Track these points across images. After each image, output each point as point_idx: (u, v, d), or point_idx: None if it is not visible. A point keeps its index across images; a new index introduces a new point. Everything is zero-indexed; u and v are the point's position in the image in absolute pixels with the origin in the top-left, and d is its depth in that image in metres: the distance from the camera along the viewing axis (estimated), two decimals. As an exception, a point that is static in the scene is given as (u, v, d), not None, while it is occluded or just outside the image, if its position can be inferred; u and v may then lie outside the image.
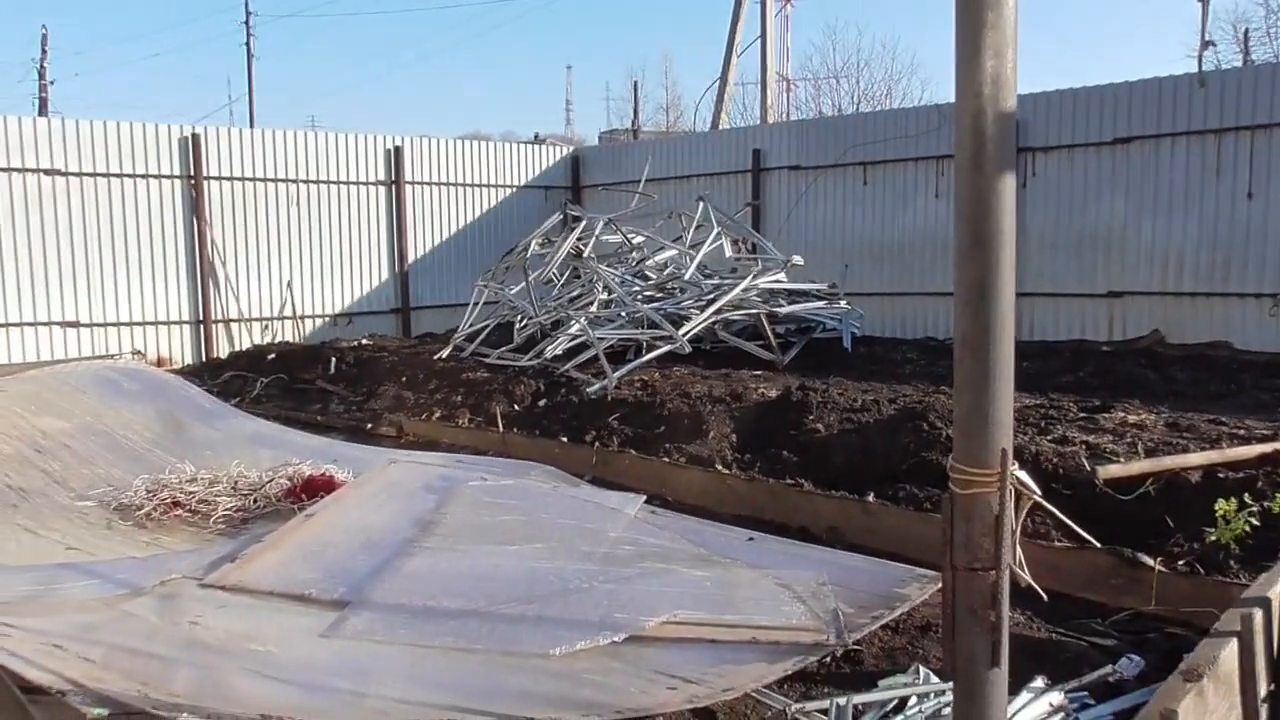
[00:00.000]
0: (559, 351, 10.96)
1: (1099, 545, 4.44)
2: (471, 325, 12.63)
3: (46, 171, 13.38)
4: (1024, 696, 3.73)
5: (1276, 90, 11.09)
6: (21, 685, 3.24)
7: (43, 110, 37.28)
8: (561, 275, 12.78)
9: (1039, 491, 2.19)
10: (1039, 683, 3.85)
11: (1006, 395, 2.12)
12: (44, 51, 39.21)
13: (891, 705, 3.85)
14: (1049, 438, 6.78)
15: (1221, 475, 5.82)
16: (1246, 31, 32.63)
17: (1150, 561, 4.93)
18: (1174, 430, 7.02)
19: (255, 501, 6.42)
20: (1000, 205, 2.03)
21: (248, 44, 37.31)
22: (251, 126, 28.00)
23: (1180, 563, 5.09)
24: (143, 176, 14.17)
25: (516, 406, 9.96)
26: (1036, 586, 2.47)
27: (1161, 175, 12.04)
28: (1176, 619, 4.67)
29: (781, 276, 12.03)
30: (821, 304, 12.21)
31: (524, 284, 12.29)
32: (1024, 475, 2.15)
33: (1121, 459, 6.17)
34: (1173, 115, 11.84)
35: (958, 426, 2.17)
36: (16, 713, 3.14)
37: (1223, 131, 11.47)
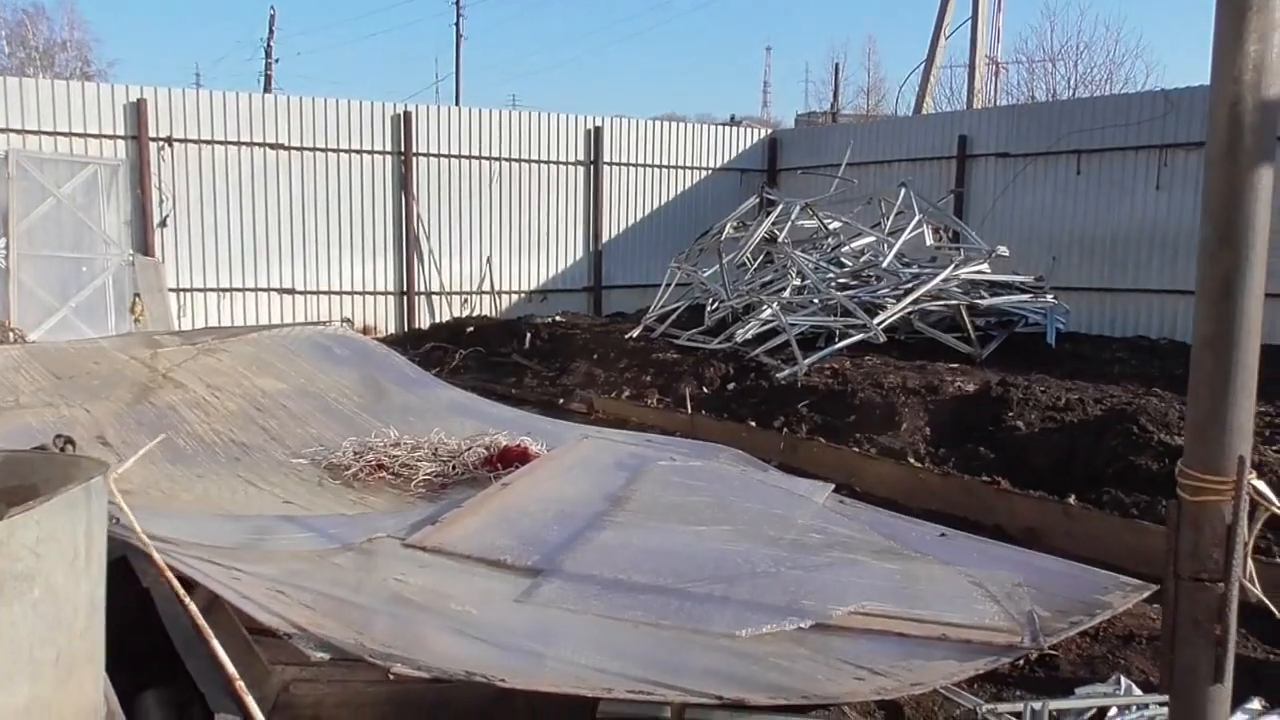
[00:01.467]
0: (749, 336, 10.95)
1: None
2: (663, 306, 12.76)
3: (271, 145, 14.27)
4: (1240, 717, 3.53)
5: None
6: (249, 626, 3.48)
7: (268, 87, 39.69)
8: (755, 260, 12.74)
9: (1278, 502, 2.06)
10: (1256, 704, 3.64)
11: (1248, 400, 2.01)
12: (271, 31, 41.73)
13: (1089, 715, 3.71)
14: (1275, 448, 6.35)
15: None
16: None
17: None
18: None
19: (454, 468, 6.67)
20: (1255, 199, 1.92)
21: (457, 24, 38.59)
22: (457, 105, 29.07)
23: None
24: (356, 151, 14.92)
25: (705, 389, 10.01)
26: (1269, 603, 2.32)
27: None
28: None
29: (984, 267, 11.65)
30: (1026, 297, 11.75)
31: (716, 267, 12.32)
32: (1263, 485, 2.02)
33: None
34: None
35: (1190, 430, 2.06)
36: (244, 650, 3.37)
37: None
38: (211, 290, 14.03)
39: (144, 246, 13.50)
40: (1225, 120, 1.90)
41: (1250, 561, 2.11)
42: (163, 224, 13.65)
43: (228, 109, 14.02)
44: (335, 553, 4.64)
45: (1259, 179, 1.91)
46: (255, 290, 14.32)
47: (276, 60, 41.78)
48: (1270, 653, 4.39)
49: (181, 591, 3.35)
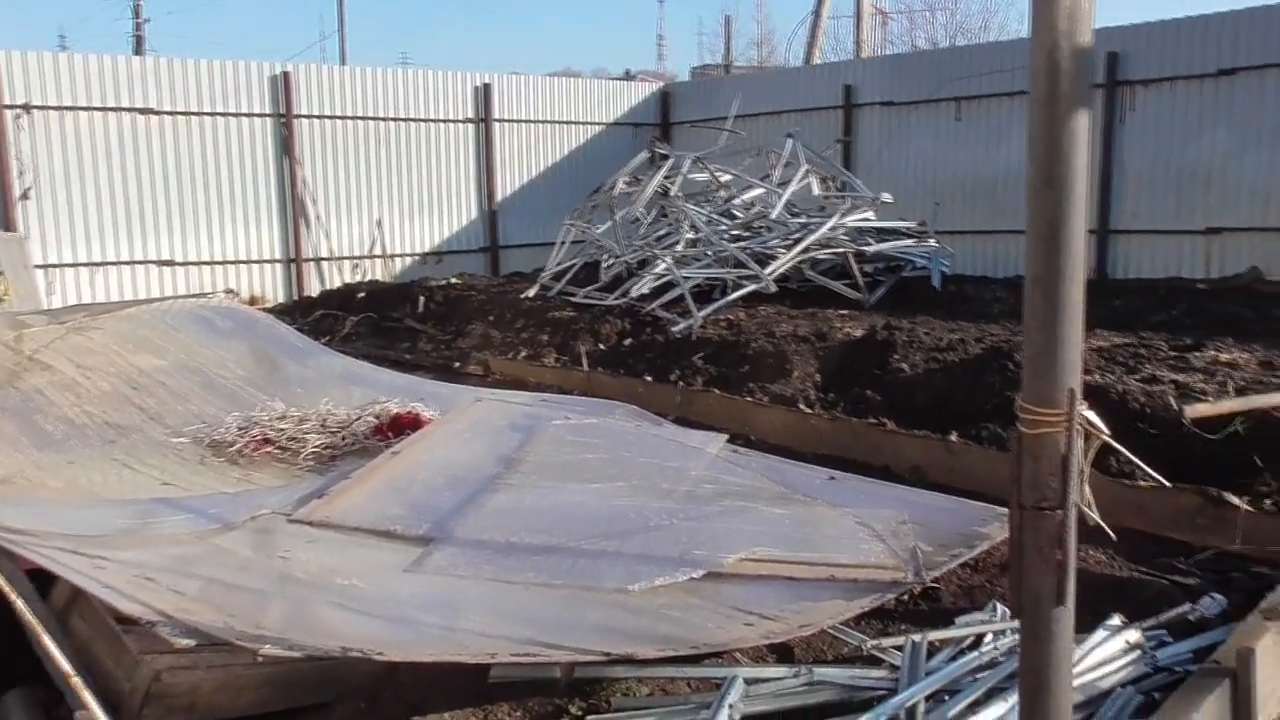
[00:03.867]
0: (645, 291, 10.99)
1: (1169, 485, 4.37)
2: (558, 264, 12.72)
3: (141, 110, 13.71)
4: (1100, 634, 3.71)
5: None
6: (116, 616, 3.41)
7: (138, 49, 37.98)
8: (648, 214, 12.77)
9: (1107, 431, 2.17)
10: (1115, 620, 3.82)
11: (1075, 335, 2.10)
12: (139, -11, 39.84)
13: (968, 642, 3.86)
14: (1137, 377, 6.64)
15: (1317, 415, 5.65)
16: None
17: (1236, 500, 4.83)
18: (1267, 369, 6.83)
19: (343, 439, 6.58)
20: (1074, 144, 1.99)
21: (339, -19, 37.39)
22: (342, 64, 28.33)
23: (1268, 502, 4.99)
24: (235, 115, 14.44)
25: (602, 346, 10.05)
26: (1105, 526, 2.45)
27: (1267, 107, 11.52)
28: (1263, 558, 4.60)
29: (870, 215, 11.86)
30: (911, 242, 12.02)
31: (610, 223, 12.32)
32: (1092, 415, 2.12)
33: (1211, 398, 6.02)
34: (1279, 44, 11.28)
35: (1026, 366, 2.15)
36: (112, 641, 3.31)
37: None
38: (83, 265, 13.46)
39: (5, 221, 12.90)
40: (1044, 67, 1.97)
41: (1087, 487, 2.22)
42: (25, 196, 13.03)
43: (91, 72, 13.36)
44: (216, 533, 4.55)
45: (1077, 123, 1.98)
46: (131, 264, 13.79)
47: (147, 20, 40.00)
48: (1135, 571, 4.61)
49: (6, 586, 3.26)
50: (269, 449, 6.53)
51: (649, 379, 8.72)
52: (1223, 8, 12.03)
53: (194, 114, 14.13)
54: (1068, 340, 2.07)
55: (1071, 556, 2.16)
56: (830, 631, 4.00)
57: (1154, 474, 3.91)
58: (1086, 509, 2.22)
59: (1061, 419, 2.07)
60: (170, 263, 14.04)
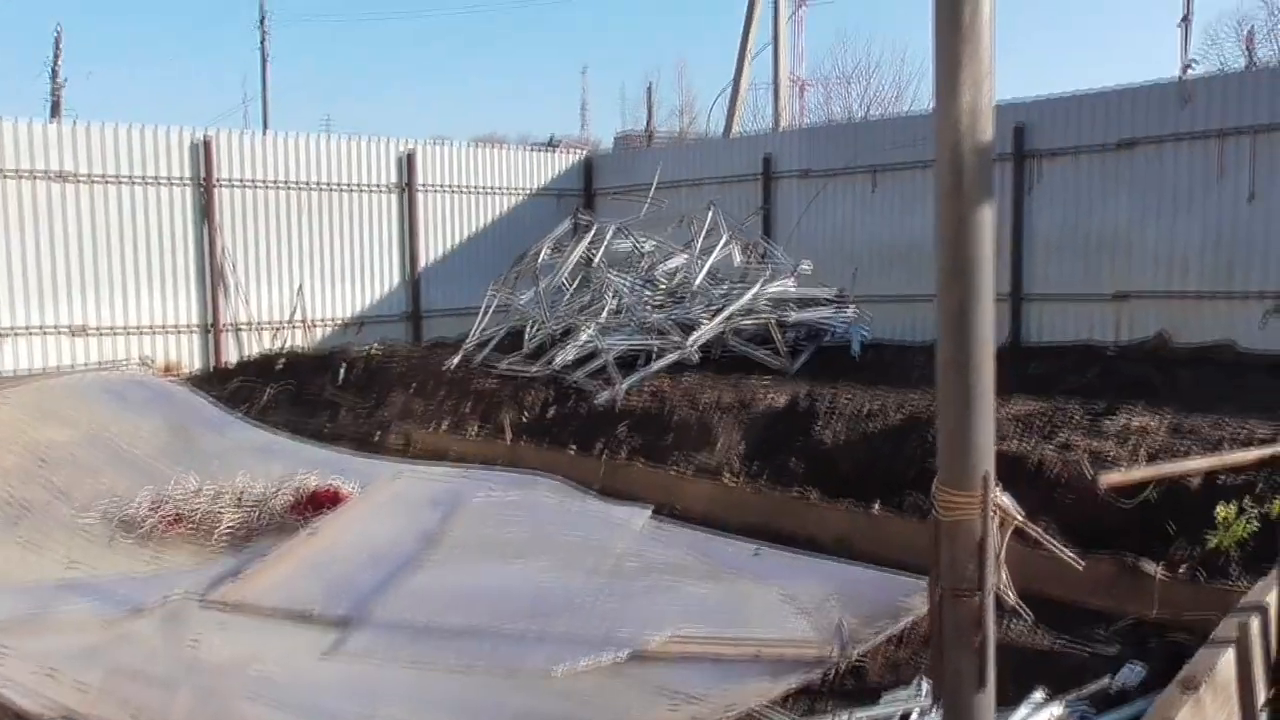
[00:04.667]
0: (569, 360, 10.97)
1: (1080, 563, 4.44)
2: (482, 332, 12.65)
3: (57, 175, 13.40)
4: (1023, 710, 3.73)
5: (1275, 93, 11.06)
6: (16, 713, 3.25)
7: (55, 111, 37.31)
8: (572, 282, 12.79)
9: (1021, 515, 2.20)
10: (1039, 695, 3.85)
11: (988, 418, 2.13)
12: (57, 51, 39.12)
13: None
14: (1053, 443, 6.77)
15: (1222, 480, 5.81)
16: (1251, 31, 32.62)
17: (1152, 569, 4.92)
18: (1177, 434, 7.01)
19: (259, 516, 6.43)
20: (979, 233, 2.04)
21: (262, 46, 37.41)
22: (265, 129, 28.15)
23: (1182, 568, 5.08)
24: (153, 180, 14.17)
25: (525, 416, 9.97)
26: (1022, 607, 2.48)
27: (1165, 177, 12.00)
28: (1179, 625, 4.67)
29: (790, 283, 12.03)
30: (831, 310, 12.20)
31: (534, 291, 12.31)
32: (1006, 499, 2.15)
33: (1124, 465, 6.16)
34: (1175, 118, 11.80)
35: (941, 450, 2.18)
36: None
37: (1224, 134, 11.43)
38: (-8, 335, 13.05)
39: (-92, 290, 12.48)
40: (949, 162, 2.02)
41: (1004, 570, 2.24)
42: (-71, 264, 12.63)
43: (5, 137, 13.02)
44: (124, 619, 4.40)
45: (982, 214, 2.03)
46: (43, 332, 13.35)
47: (65, 82, 39.33)
48: (1057, 640, 4.66)
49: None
50: (181, 527, 6.36)
51: (573, 450, 8.67)
52: (1121, 82, 12.57)
53: (111, 180, 13.84)
54: (980, 424, 2.10)
55: (990, 640, 2.17)
56: (756, 712, 3.97)
57: (1068, 552, 3.97)
58: (1004, 591, 2.24)
59: (977, 503, 2.09)
60: (84, 330, 13.65)
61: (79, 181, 13.56)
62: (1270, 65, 23.50)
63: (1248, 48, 31.63)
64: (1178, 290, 11.95)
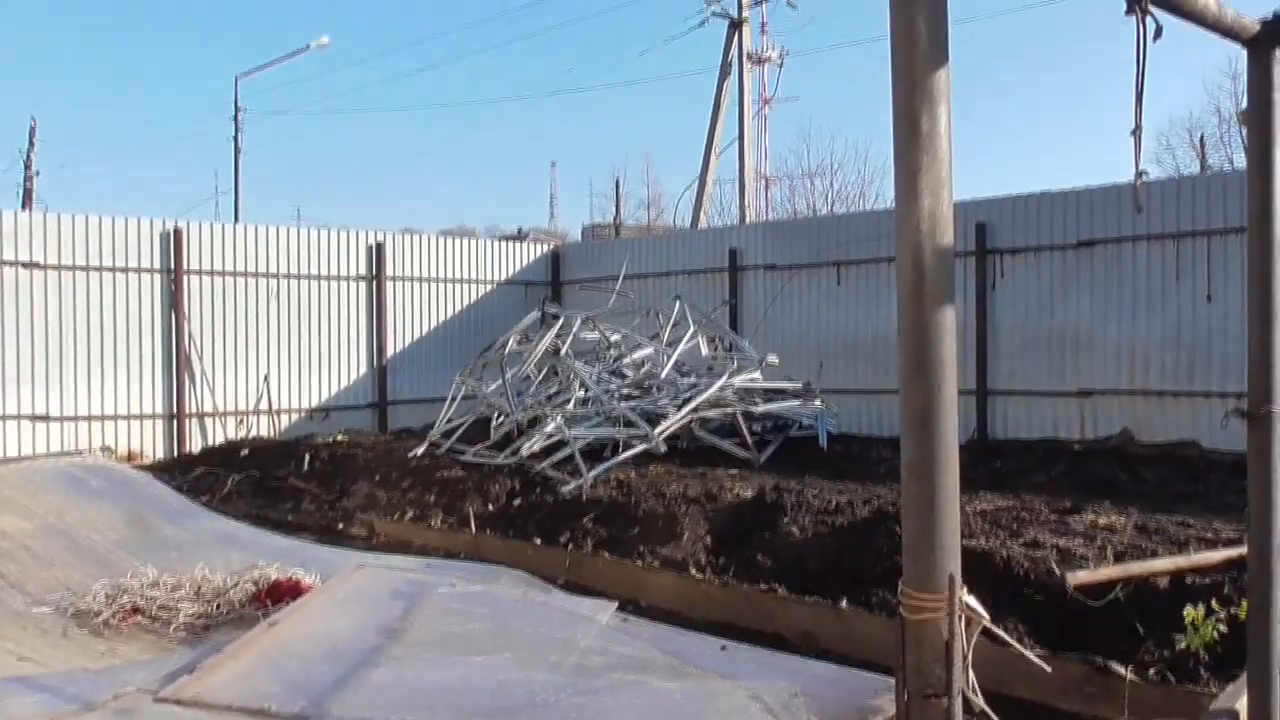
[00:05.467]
0: (535, 449, 10.92)
1: (1048, 667, 4.41)
2: (449, 421, 12.60)
3: (25, 264, 13.37)
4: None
5: (1228, 198, 11.36)
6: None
7: (27, 201, 37.37)
8: (539, 372, 12.81)
9: (987, 617, 2.19)
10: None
11: (953, 519, 2.14)
12: (31, 143, 39.38)
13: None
14: (1020, 541, 6.78)
15: (1189, 580, 5.82)
16: (1202, 137, 33.84)
17: (1121, 670, 4.90)
18: (1143, 533, 7.05)
19: (219, 607, 6.31)
20: (940, 335, 2.08)
21: (235, 139, 37.65)
22: (236, 219, 28.31)
23: (1152, 671, 5.06)
24: (122, 270, 14.18)
25: (491, 506, 9.88)
26: (990, 711, 2.45)
27: (1125, 277, 12.26)
28: (1150, 730, 4.63)
29: (757, 375, 12.11)
30: (797, 402, 12.27)
31: (501, 380, 12.31)
32: (973, 601, 2.15)
33: (1091, 563, 6.17)
34: (1133, 219, 12.08)
35: (906, 551, 2.18)
36: None
37: (1180, 236, 11.73)
38: (-49, 420, 12.88)
39: None
40: (909, 265, 2.06)
41: (970, 673, 2.22)
42: (-106, 348, 12.50)
43: (-27, 227, 13.09)
44: (73, 715, 4.28)
45: (943, 317, 2.07)
46: (3, 418, 13.17)
47: (37, 173, 39.42)
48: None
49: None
50: (138, 618, 6.22)
51: (538, 541, 8.58)
52: (1080, 183, 12.89)
53: (80, 268, 13.83)
54: (945, 525, 2.11)
55: (957, 744, 2.15)
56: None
57: (1035, 657, 3.95)
58: (971, 695, 2.22)
59: (943, 605, 2.09)
60: (45, 418, 13.48)
61: (47, 269, 13.54)
62: (1223, 170, 24.25)
63: (1200, 153, 32.75)
64: (1140, 388, 12.11)
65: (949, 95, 1.99)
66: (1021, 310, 13.08)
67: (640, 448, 10.62)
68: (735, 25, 24.78)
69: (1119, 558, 6.32)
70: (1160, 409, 11.95)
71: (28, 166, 39.24)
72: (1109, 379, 12.38)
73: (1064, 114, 70.65)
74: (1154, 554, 6.31)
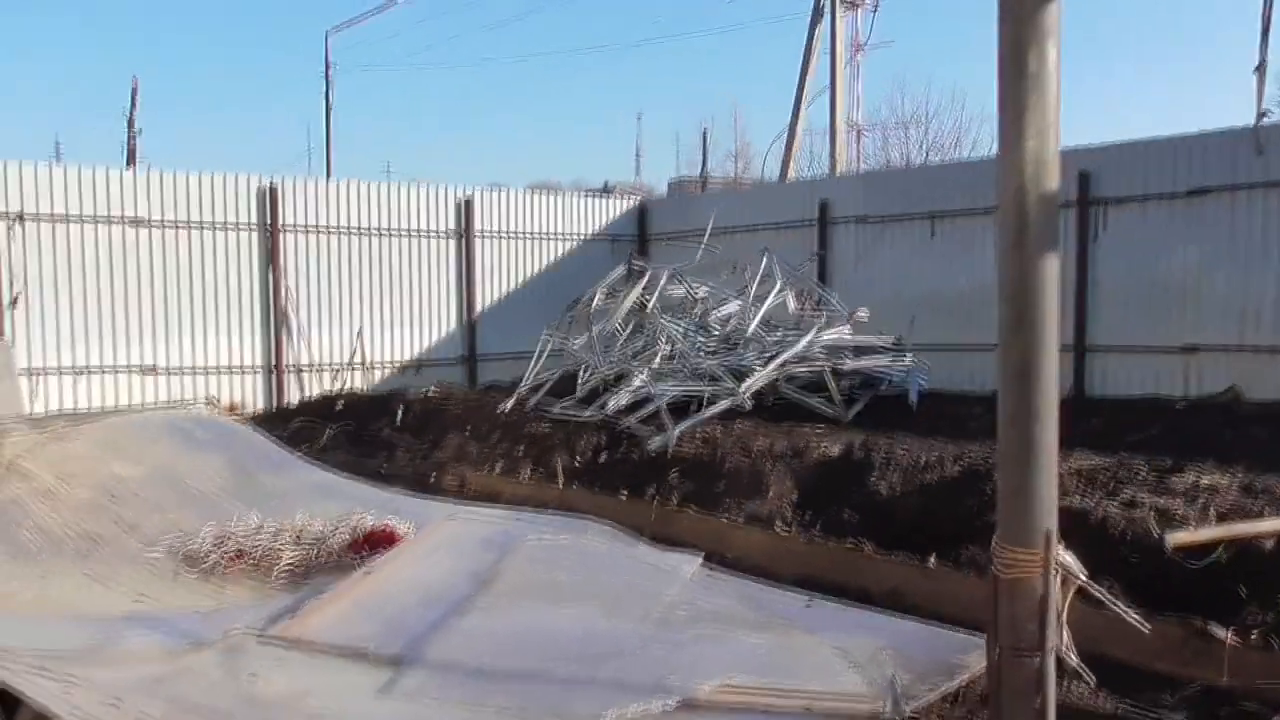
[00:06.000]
0: (621, 405, 10.97)
1: (1147, 626, 4.29)
2: (536, 376, 12.71)
3: (131, 221, 13.81)
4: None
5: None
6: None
7: (131, 159, 38.48)
8: (625, 327, 12.82)
9: (1084, 575, 2.14)
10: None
11: (1050, 475, 2.09)
12: (134, 103, 40.50)
13: (948, 781, 3.76)
14: (1117, 500, 6.61)
15: (1297, 543, 5.62)
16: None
17: (1222, 632, 4.77)
18: (1248, 494, 6.80)
19: (318, 554, 6.50)
20: (1044, 285, 2.02)
21: (326, 95, 38.22)
22: (328, 176, 28.73)
23: (1254, 634, 4.90)
24: (221, 226, 14.55)
25: (578, 460, 9.98)
26: (1085, 669, 2.40)
27: (1238, 227, 11.75)
28: (1251, 693, 4.51)
29: (846, 330, 11.96)
30: (887, 358, 12.10)
31: (588, 336, 12.37)
32: (1069, 558, 2.10)
33: (1192, 524, 5.99)
34: (1249, 167, 11.55)
35: (1001, 506, 2.13)
36: None
37: (1300, 183, 11.18)
38: (67, 372, 13.40)
39: (-7, 328, 12.87)
40: (1012, 212, 2.00)
41: (1065, 630, 2.18)
42: (13, 303, 13.04)
43: (84, 184, 13.51)
44: (186, 652, 4.46)
45: (1047, 266, 2.00)
46: (115, 370, 13.73)
47: (140, 131, 40.58)
48: (1120, 704, 4.52)
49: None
50: (243, 563, 6.44)
51: (624, 495, 8.65)
52: (1190, 129, 12.37)
53: (182, 225, 14.23)
54: (1042, 480, 2.06)
55: (1051, 702, 2.12)
56: (808, 766, 3.89)
57: (1134, 613, 3.85)
58: (1066, 653, 2.18)
59: (1038, 562, 2.05)
60: (153, 370, 13.99)
61: (151, 226, 13.96)
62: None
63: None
64: (1250, 343, 11.65)
65: (1059, 32, 1.91)
66: (1125, 263, 12.65)
67: (726, 403, 10.59)
68: (828, -31, 24.23)
69: (1222, 518, 6.13)
70: (1272, 365, 11.46)
71: (130, 125, 40.39)
72: (1216, 334, 11.92)
73: (1181, 56, 67.76)
74: (1259, 515, 6.10)
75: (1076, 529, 5.63)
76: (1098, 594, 2.48)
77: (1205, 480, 7.13)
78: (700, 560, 6.14)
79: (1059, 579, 2.09)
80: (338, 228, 15.59)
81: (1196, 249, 12.07)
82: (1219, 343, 11.89)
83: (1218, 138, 11.96)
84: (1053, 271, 1.99)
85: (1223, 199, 11.85)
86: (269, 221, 14.89)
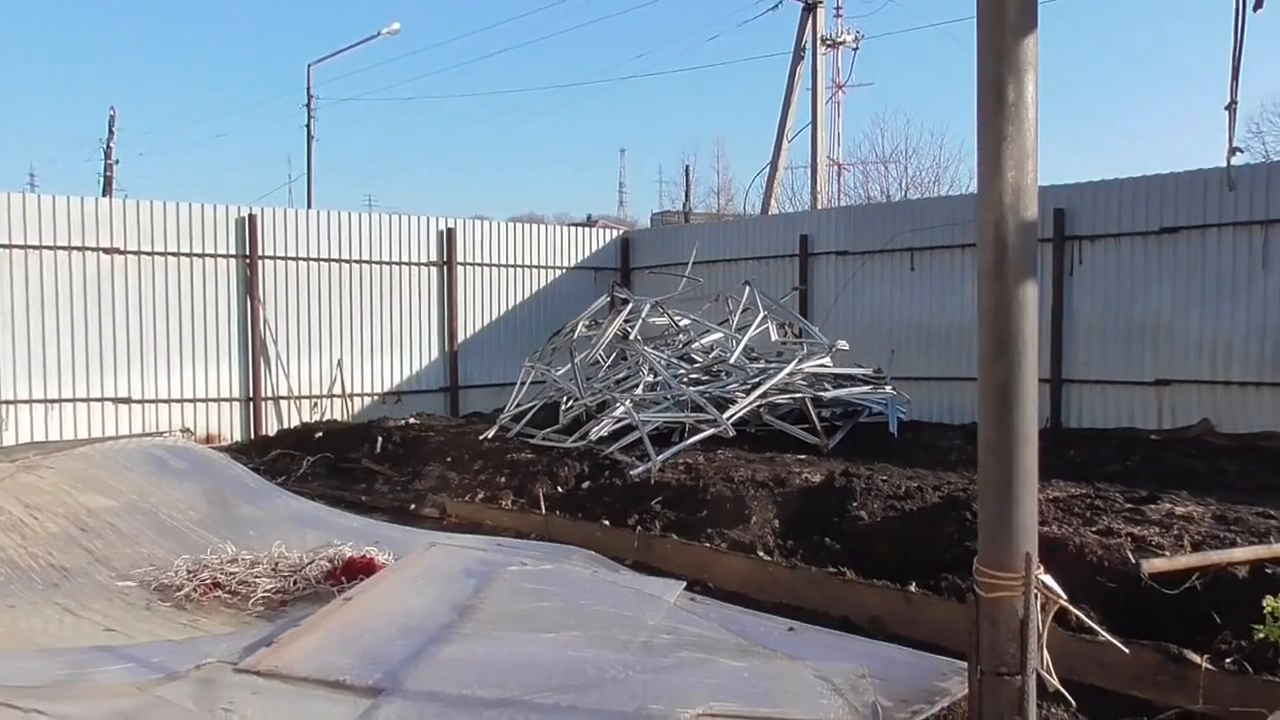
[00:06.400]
0: (604, 433, 10.99)
1: (1125, 648, 4.34)
2: (518, 405, 12.72)
3: (106, 250, 13.74)
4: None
5: (1321, 183, 11.04)
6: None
7: (107, 189, 38.38)
8: (608, 357, 12.86)
9: (1064, 596, 2.17)
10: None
11: (1030, 499, 2.12)
12: (111, 132, 40.40)
13: (929, 807, 3.77)
14: (1094, 529, 6.67)
15: (1269, 570, 5.67)
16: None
17: (1197, 659, 4.81)
18: (1221, 523, 6.89)
19: (295, 583, 6.46)
20: (1022, 312, 2.06)
21: (308, 126, 38.18)
22: (309, 206, 28.71)
23: (1228, 661, 4.95)
24: (199, 255, 14.51)
25: (560, 489, 9.97)
26: (1064, 691, 2.43)
27: (1209, 265, 11.96)
28: (1225, 719, 4.55)
29: (827, 360, 12.03)
30: (867, 388, 12.17)
31: (570, 365, 12.39)
32: (1049, 579, 2.13)
33: (1167, 552, 6.05)
34: (1219, 206, 11.80)
35: (982, 530, 2.17)
36: None
37: (1270, 223, 11.42)
38: (39, 402, 13.29)
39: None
40: (992, 240, 2.04)
41: (1045, 652, 2.21)
42: (-15, 333, 12.94)
43: (58, 213, 13.42)
44: (158, 684, 4.41)
45: (1025, 293, 2.05)
46: (88, 400, 13.62)
47: (117, 161, 40.41)
48: (1098, 728, 4.55)
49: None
50: (218, 593, 6.39)
51: (607, 523, 8.64)
52: (1162, 170, 12.59)
53: (159, 254, 14.18)
54: (1023, 504, 2.10)
55: (1032, 723, 2.14)
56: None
57: (1112, 637, 3.89)
58: (1046, 674, 2.21)
59: (1019, 584, 2.08)
60: (127, 400, 13.89)
61: (127, 255, 13.90)
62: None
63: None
64: (1221, 378, 11.83)
65: (1036, 64, 1.96)
66: (1100, 298, 12.83)
67: (708, 432, 10.62)
68: (809, 8, 24.47)
69: (1196, 547, 6.19)
70: (1242, 400, 11.66)
71: (108, 155, 40.28)
72: (1189, 369, 12.10)
73: (1148, 100, 68.87)
74: (1233, 544, 6.17)
75: (1054, 556, 5.66)
76: (1077, 614, 2.50)
77: (1180, 510, 7.21)
78: (683, 587, 6.15)
79: (1040, 601, 2.12)
80: (318, 257, 15.59)
81: (1169, 285, 12.26)
82: (1191, 377, 12.06)
83: (1188, 177, 12.20)
84: (1032, 298, 2.04)
85: (1194, 237, 12.07)
86: (248, 251, 14.87)
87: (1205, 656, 4.87)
